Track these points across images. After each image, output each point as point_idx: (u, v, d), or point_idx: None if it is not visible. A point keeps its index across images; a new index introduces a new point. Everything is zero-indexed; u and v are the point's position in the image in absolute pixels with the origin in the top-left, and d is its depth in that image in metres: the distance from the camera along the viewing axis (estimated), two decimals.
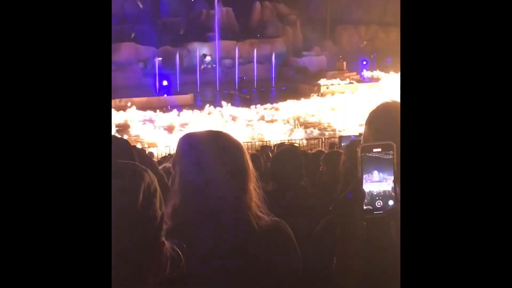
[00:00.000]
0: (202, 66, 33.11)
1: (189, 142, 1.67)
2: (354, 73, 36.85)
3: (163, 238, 1.11)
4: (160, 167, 3.58)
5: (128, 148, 1.92)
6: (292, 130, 22.70)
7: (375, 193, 1.35)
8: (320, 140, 19.83)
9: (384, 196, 1.35)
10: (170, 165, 3.73)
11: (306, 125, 24.18)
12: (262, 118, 25.80)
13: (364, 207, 1.35)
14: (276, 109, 27.78)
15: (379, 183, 1.35)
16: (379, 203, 1.35)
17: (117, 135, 17.69)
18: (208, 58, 34.36)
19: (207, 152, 1.61)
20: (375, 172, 1.35)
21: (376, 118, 1.62)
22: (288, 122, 24.73)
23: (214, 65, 34.11)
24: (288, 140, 17.35)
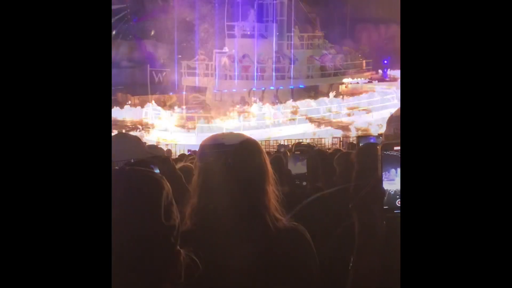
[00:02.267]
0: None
1: (210, 144, 1.70)
2: (374, 72, 36.55)
3: (178, 247, 1.10)
4: (179, 165, 3.61)
5: (141, 146, 1.94)
6: (311, 129, 22.63)
7: (392, 192, 1.35)
8: (339, 139, 19.75)
9: None
10: (188, 164, 3.77)
11: (323, 124, 24.07)
12: (280, 116, 25.74)
13: (384, 206, 1.35)
14: (295, 107, 27.71)
15: (395, 182, 1.35)
16: (399, 202, 1.35)
17: (133, 132, 17.76)
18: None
19: (227, 154, 1.64)
20: (392, 171, 1.35)
21: (396, 122, 1.62)
22: (306, 120, 24.65)
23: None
24: (306, 139, 17.27)
